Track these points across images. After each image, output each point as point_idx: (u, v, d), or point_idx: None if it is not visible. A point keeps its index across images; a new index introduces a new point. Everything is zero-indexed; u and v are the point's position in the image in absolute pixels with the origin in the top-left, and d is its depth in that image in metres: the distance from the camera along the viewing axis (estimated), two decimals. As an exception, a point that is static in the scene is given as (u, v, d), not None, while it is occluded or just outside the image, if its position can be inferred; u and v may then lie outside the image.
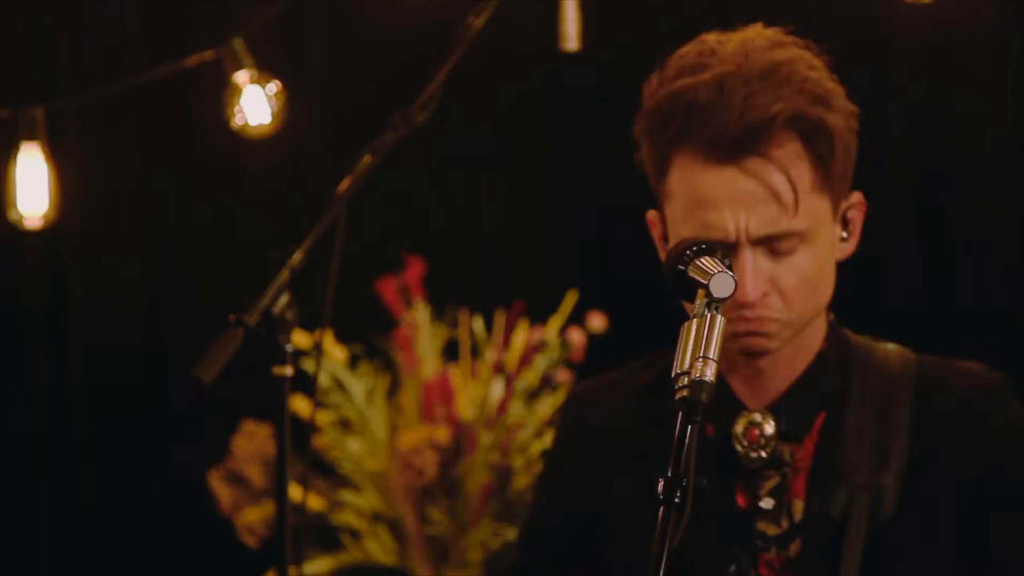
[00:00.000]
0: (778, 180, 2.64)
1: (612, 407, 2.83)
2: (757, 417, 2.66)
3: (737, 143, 2.62)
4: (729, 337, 2.54)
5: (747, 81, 2.63)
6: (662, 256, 2.71)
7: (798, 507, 2.73)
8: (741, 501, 2.62)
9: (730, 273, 2.48)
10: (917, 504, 2.69)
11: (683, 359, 2.40)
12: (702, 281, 2.48)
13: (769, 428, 2.63)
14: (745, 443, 2.63)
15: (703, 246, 2.54)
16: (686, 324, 2.44)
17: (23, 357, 5.77)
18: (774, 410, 2.64)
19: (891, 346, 2.81)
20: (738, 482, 2.61)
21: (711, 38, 2.69)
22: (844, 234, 2.73)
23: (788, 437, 2.69)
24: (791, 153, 2.62)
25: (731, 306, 2.57)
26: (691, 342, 2.41)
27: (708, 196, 2.65)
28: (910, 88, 5.58)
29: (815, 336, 2.72)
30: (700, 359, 2.38)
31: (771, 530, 2.71)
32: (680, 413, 2.39)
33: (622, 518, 2.76)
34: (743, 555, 2.68)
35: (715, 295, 2.45)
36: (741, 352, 2.68)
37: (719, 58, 2.66)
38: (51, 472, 5.77)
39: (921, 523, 2.69)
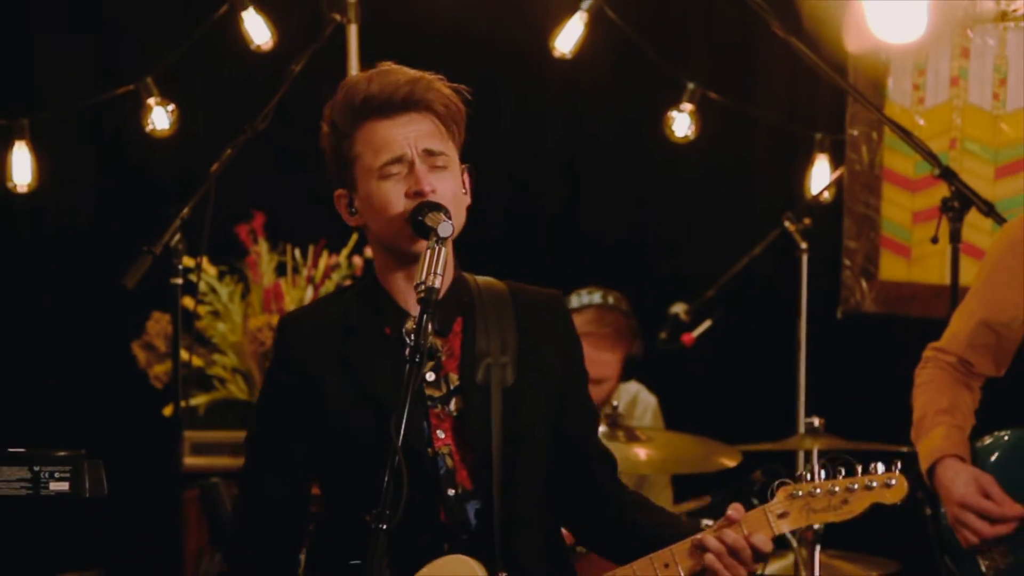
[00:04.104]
0: (430, 122, 3.00)
1: (315, 325, 3.06)
2: None
3: (402, 103, 2.97)
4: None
5: (403, 73, 3.01)
6: (346, 218, 3.06)
7: (453, 379, 3.03)
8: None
9: (450, 222, 2.87)
10: (528, 376, 3.05)
11: (421, 273, 2.79)
12: (433, 226, 2.86)
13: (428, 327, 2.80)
14: (412, 337, 2.79)
15: (435, 205, 2.92)
16: (424, 252, 2.83)
17: (11, 267, 6.28)
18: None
19: (485, 277, 3.14)
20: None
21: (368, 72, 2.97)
22: (465, 189, 3.05)
23: (438, 333, 3.02)
24: (432, 115, 3.00)
25: (416, 200, 2.91)
26: (427, 263, 2.81)
27: (390, 135, 2.96)
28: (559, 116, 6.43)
29: (452, 264, 3.03)
30: (433, 274, 2.79)
31: (436, 393, 3.03)
32: (420, 307, 2.77)
33: (335, 402, 2.98)
34: (419, 407, 2.95)
35: (441, 235, 2.85)
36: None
37: (379, 71, 3.01)
38: (34, 345, 6.38)
39: (532, 388, 3.05)
